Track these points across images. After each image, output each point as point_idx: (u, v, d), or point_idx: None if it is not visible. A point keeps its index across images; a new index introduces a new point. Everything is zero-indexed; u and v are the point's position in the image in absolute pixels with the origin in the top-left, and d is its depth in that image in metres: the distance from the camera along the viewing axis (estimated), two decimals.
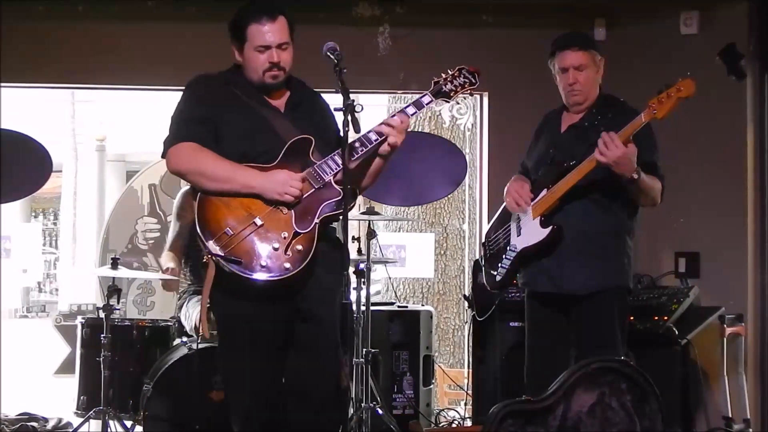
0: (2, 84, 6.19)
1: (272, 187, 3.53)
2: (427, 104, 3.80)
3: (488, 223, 6.37)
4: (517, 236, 4.43)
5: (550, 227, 4.27)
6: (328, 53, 3.60)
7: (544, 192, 4.32)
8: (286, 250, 3.51)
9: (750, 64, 5.83)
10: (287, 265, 3.50)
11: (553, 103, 4.58)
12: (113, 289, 5.27)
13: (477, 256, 6.80)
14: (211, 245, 3.49)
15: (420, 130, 8.12)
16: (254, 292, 3.54)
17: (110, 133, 16.69)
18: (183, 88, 6.71)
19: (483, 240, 4.81)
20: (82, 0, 6.28)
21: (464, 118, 8.16)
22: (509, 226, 4.50)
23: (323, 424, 3.66)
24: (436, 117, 8.34)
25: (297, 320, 3.65)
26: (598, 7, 6.32)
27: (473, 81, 3.84)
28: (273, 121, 3.68)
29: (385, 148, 3.63)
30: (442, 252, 8.41)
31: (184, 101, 3.72)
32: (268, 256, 3.50)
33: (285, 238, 3.52)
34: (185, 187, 5.78)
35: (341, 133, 3.50)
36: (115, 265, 5.37)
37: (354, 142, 3.61)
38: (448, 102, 3.89)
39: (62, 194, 17.60)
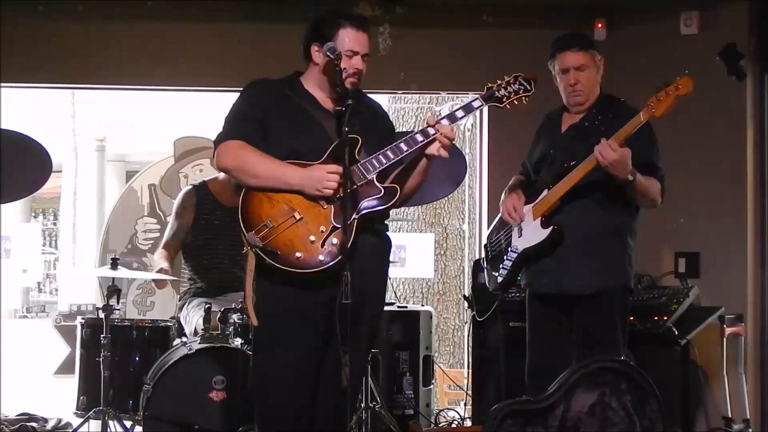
0: (2, 84, 6.19)
1: (311, 184, 3.60)
2: (476, 108, 3.83)
3: (488, 223, 6.39)
4: (518, 237, 4.43)
5: (551, 228, 4.28)
6: (328, 53, 3.64)
7: (545, 193, 4.32)
8: (322, 244, 3.58)
9: (750, 64, 5.83)
10: (321, 257, 3.57)
11: (552, 104, 4.59)
12: (113, 290, 5.25)
13: (477, 257, 6.80)
14: (251, 236, 3.57)
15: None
16: (293, 285, 3.60)
17: (110, 134, 16.69)
18: (182, 88, 6.76)
19: (485, 241, 4.81)
20: (83, 0, 6.29)
21: (464, 118, 8.15)
22: (510, 227, 4.50)
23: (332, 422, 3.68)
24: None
25: (335, 316, 3.64)
26: (598, 7, 6.31)
27: (528, 88, 3.86)
28: (323, 121, 3.75)
29: (431, 150, 3.68)
30: (442, 252, 8.40)
31: (238, 102, 3.82)
32: (305, 248, 3.57)
33: (323, 231, 3.59)
34: (186, 187, 5.79)
35: (344, 132, 3.51)
36: (114, 265, 5.36)
37: (400, 142, 3.69)
38: (500, 107, 3.89)
39: (62, 194, 17.59)
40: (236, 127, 3.73)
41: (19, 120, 8.38)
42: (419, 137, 3.68)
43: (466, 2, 6.42)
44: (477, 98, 3.81)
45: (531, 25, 6.32)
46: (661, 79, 4.05)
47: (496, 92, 3.83)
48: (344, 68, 3.67)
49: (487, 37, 6.43)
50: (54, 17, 6.25)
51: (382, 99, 8.50)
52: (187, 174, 7.43)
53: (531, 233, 4.36)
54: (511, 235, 4.50)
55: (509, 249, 4.49)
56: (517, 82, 3.85)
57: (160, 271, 5.40)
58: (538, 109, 4.76)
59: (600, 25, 6.23)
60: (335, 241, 3.57)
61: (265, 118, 3.73)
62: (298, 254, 3.56)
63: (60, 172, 16.75)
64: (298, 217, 3.59)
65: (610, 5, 6.31)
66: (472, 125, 7.89)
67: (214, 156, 3.80)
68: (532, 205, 4.37)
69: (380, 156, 3.66)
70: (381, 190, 3.66)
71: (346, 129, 3.49)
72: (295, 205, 3.61)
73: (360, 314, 3.56)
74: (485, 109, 6.56)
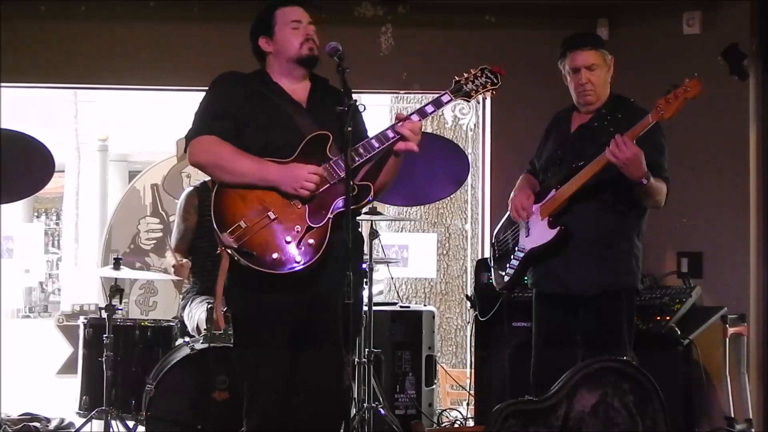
0: (4, 84, 6.20)
1: (288, 181, 3.56)
2: (446, 103, 3.80)
3: (491, 223, 6.39)
4: (526, 237, 4.43)
5: (558, 228, 4.27)
6: (331, 53, 3.62)
7: (553, 193, 4.32)
8: (298, 244, 3.54)
9: (752, 64, 5.83)
10: (299, 258, 3.53)
11: (556, 103, 4.58)
12: (116, 289, 5.26)
13: (479, 256, 6.80)
14: (225, 237, 3.53)
15: (422, 129, 8.10)
16: (268, 285, 3.57)
17: (113, 133, 16.71)
18: (185, 88, 6.77)
19: (492, 240, 4.80)
20: (85, 0, 6.29)
21: (467, 118, 8.16)
22: (518, 226, 4.49)
23: (325, 421, 3.68)
24: (439, 117, 8.34)
25: (310, 313, 3.65)
26: (601, 7, 6.31)
27: (495, 81, 3.84)
28: (295, 116, 3.73)
29: (399, 146, 3.65)
30: (445, 252, 8.40)
31: (208, 96, 3.78)
32: (280, 249, 3.53)
33: (298, 231, 3.55)
34: (188, 189, 5.78)
35: (346, 132, 3.48)
36: (117, 265, 5.37)
37: (371, 139, 3.66)
38: (468, 101, 3.90)
39: (65, 194, 17.61)
40: (208, 122, 3.68)
41: (22, 120, 8.37)
42: (390, 133, 3.64)
43: (469, 2, 6.42)
44: (446, 93, 3.78)
45: (533, 25, 6.33)
46: (664, 79, 4.05)
47: (464, 86, 3.81)
48: (297, 30, 3.74)
49: (490, 36, 6.43)
50: (56, 17, 6.25)
51: (385, 99, 8.52)
52: (190, 174, 7.44)
53: (538, 233, 4.36)
54: (518, 235, 4.49)
55: (516, 248, 4.48)
56: (484, 75, 3.83)
57: (178, 263, 5.38)
58: (541, 108, 4.78)
59: (603, 26, 6.22)
60: (311, 241, 3.55)
61: (236, 112, 3.69)
62: (274, 255, 3.51)
63: (62, 171, 16.77)
64: (272, 217, 3.55)
65: (612, 6, 6.30)
66: (474, 125, 7.89)
67: (185, 152, 3.75)
68: (539, 204, 4.36)
69: (352, 153, 3.59)
70: (355, 188, 3.60)
71: (349, 129, 3.47)
72: (268, 204, 3.56)
73: (337, 310, 3.50)
74: (488, 109, 6.62)
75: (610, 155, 4.02)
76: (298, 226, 3.56)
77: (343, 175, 3.57)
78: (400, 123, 3.64)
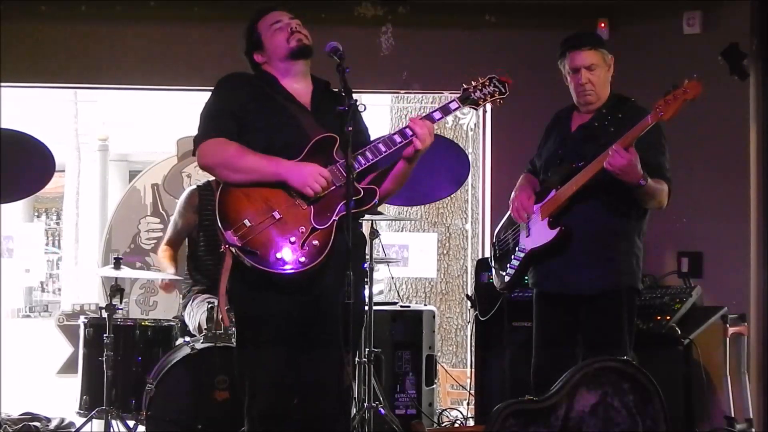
0: (4, 84, 6.20)
1: (299, 177, 3.57)
2: (454, 110, 3.81)
3: (491, 222, 6.39)
4: (526, 237, 4.43)
5: (558, 228, 4.27)
6: (331, 54, 3.62)
7: (553, 193, 4.32)
8: (302, 245, 3.54)
9: (753, 63, 5.83)
10: (303, 258, 3.53)
11: (556, 103, 4.58)
12: (116, 289, 5.26)
13: (480, 256, 6.80)
14: (229, 236, 3.53)
15: None
16: (270, 284, 3.57)
17: (113, 133, 16.73)
18: (185, 88, 6.77)
19: (493, 240, 4.81)
20: (85, 0, 6.29)
21: (467, 118, 8.16)
22: (518, 226, 4.50)
23: (325, 421, 3.68)
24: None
25: (311, 313, 3.65)
26: (601, 7, 6.31)
27: (503, 91, 3.86)
28: (300, 117, 3.73)
29: (408, 151, 3.65)
30: (445, 252, 8.41)
31: (213, 98, 3.78)
32: (284, 249, 3.53)
33: (302, 232, 3.56)
34: (190, 187, 5.78)
35: (347, 131, 3.48)
36: (117, 264, 5.37)
37: (378, 143, 3.66)
38: (476, 110, 3.91)
39: (65, 194, 17.62)
40: (215, 123, 3.69)
41: (22, 120, 8.38)
42: (397, 138, 3.65)
43: (469, 2, 6.41)
44: (454, 100, 3.80)
45: (534, 25, 6.32)
46: (664, 79, 4.05)
47: (472, 94, 3.82)
48: (280, 29, 3.75)
49: (490, 37, 6.43)
50: (56, 17, 6.25)
51: (385, 99, 8.53)
52: (190, 173, 7.44)
53: (539, 233, 4.36)
54: (518, 235, 4.49)
55: (517, 248, 4.48)
56: (492, 84, 3.85)
57: (163, 284, 5.40)
58: (541, 108, 4.78)
59: (603, 25, 6.22)
60: (315, 242, 3.55)
61: (240, 112, 3.69)
62: (278, 254, 3.52)
63: (63, 171, 16.78)
64: (277, 217, 3.55)
65: (612, 5, 6.30)
66: (475, 125, 7.90)
67: (194, 155, 3.75)
68: (540, 205, 4.36)
69: (358, 156, 3.61)
70: (360, 192, 3.61)
71: (350, 129, 3.47)
72: (273, 204, 3.57)
73: (334, 314, 3.49)
74: (488, 109, 6.61)
75: (607, 165, 4.03)
76: (302, 227, 3.56)
77: None
78: (407, 126, 3.64)
